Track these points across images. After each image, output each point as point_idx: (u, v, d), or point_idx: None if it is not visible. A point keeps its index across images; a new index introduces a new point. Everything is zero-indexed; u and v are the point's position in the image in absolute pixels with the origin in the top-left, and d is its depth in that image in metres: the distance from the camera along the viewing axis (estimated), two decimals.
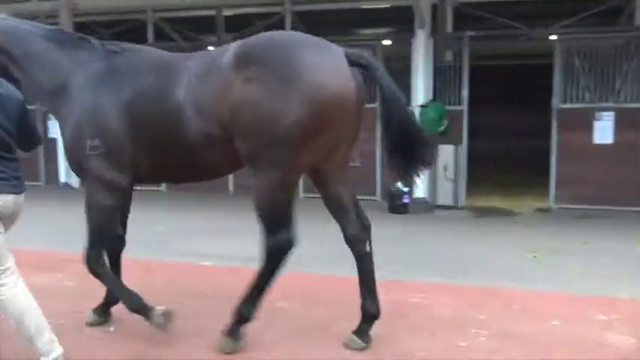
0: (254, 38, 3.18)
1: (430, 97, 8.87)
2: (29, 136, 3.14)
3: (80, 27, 11.46)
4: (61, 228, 6.73)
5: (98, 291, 3.89)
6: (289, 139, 2.87)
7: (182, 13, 12.46)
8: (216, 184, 9.88)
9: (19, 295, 2.88)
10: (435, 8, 9.12)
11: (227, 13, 12.18)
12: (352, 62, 3.03)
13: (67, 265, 5.05)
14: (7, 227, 2.94)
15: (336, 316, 3.88)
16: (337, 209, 3.46)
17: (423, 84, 8.82)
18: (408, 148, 3.13)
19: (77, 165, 3.39)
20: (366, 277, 3.41)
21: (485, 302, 4.22)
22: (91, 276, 3.54)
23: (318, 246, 6.02)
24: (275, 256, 3.12)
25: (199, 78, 3.08)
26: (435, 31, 9.09)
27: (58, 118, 3.46)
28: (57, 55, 3.44)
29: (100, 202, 3.34)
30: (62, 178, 10.81)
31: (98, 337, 3.49)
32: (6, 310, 2.87)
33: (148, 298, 4.16)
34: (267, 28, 12.10)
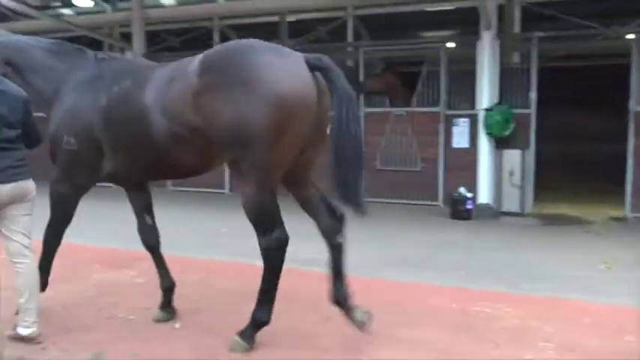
0: (219, 46, 3.37)
1: (496, 100, 8.62)
2: (32, 132, 3.50)
3: (151, 35, 12.00)
4: (131, 226, 7.04)
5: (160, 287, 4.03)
6: (257, 140, 2.97)
7: (246, 20, 12.77)
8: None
9: None
10: (501, 9, 8.86)
11: (290, 18, 12.37)
12: (312, 66, 3.10)
13: (138, 262, 5.27)
14: (16, 209, 3.34)
15: (393, 321, 3.83)
16: (308, 207, 3.60)
17: (488, 87, 8.58)
18: (349, 158, 3.20)
19: (53, 156, 3.68)
20: (336, 266, 3.51)
21: (553, 314, 4.04)
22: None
23: (379, 250, 5.98)
24: (273, 255, 3.25)
25: (167, 83, 3.28)
26: (502, 33, 8.83)
27: (49, 117, 3.74)
28: (54, 64, 3.79)
29: (64, 192, 3.67)
30: None
31: (165, 333, 3.61)
32: None
33: (210, 298, 4.28)
34: (329, 33, 12.29)
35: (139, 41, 11.16)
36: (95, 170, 3.60)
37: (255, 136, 2.97)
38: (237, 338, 3.32)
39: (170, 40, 13.34)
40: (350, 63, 11.37)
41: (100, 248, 5.92)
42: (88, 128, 3.50)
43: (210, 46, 11.84)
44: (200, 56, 3.28)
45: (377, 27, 11.98)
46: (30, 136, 3.51)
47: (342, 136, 3.12)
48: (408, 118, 9.27)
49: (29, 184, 3.41)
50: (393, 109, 9.45)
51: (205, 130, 3.12)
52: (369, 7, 11.24)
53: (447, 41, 9.92)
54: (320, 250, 5.76)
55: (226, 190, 10.57)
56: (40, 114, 3.74)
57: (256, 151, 3.00)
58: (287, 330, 3.65)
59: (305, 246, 6.12)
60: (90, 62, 3.75)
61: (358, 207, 3.33)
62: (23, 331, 3.36)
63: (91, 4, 12.34)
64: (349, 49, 11.37)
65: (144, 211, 4.01)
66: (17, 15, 12.13)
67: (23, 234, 3.40)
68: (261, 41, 3.27)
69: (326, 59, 3.17)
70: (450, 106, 9.22)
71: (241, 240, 6.47)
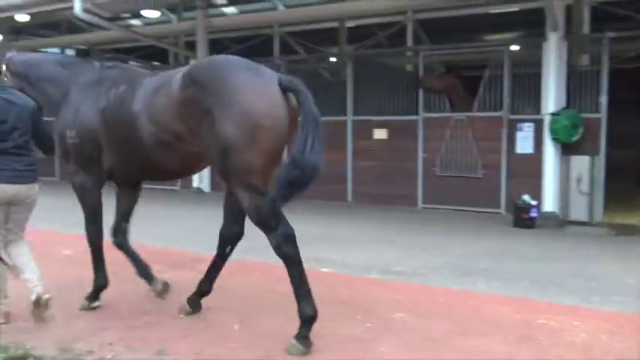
0: (202, 61, 3.60)
1: (563, 104, 8.27)
2: (44, 139, 3.97)
3: (214, 43, 12.35)
4: (192, 229, 7.26)
5: (225, 289, 4.12)
6: (232, 150, 3.22)
7: (306, 27, 12.90)
8: (335, 192, 10.10)
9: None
10: (568, 9, 8.51)
11: (349, 24, 12.39)
12: (284, 87, 3.30)
13: (197, 264, 5.41)
14: (24, 208, 3.78)
15: (451, 329, 3.74)
16: (232, 207, 3.83)
17: (555, 90, 8.24)
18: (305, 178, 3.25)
19: (63, 151, 4.07)
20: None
21: (624, 330, 3.81)
22: (221, 274, 4.07)
23: (438, 257, 5.86)
24: (285, 250, 3.38)
25: (153, 92, 3.60)
26: (569, 34, 8.47)
27: (57, 116, 4.13)
28: (63, 74, 4.22)
29: (83, 185, 4.04)
30: (195, 184, 11.66)
31: (224, 333, 3.68)
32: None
33: (269, 301, 4.32)
34: (389, 38, 12.21)
35: (202, 49, 11.52)
36: (99, 162, 3.95)
37: (229, 147, 3.22)
38: (294, 341, 3.40)
39: (232, 48, 13.68)
40: (409, 67, 11.26)
41: (160, 249, 6.12)
42: (89, 125, 3.89)
43: (272, 52, 12.08)
44: (184, 69, 3.59)
45: (437, 31, 11.80)
46: (43, 142, 3.99)
47: (299, 161, 3.18)
48: (468, 123, 9.06)
49: (33, 188, 3.80)
50: (454, 114, 9.26)
51: (187, 138, 3.44)
52: (429, 11, 11.09)
53: (511, 44, 9.63)
54: (374, 257, 5.73)
55: None
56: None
57: (234, 160, 3.25)
58: (342, 336, 3.64)
59: (358, 253, 6.10)
60: (94, 70, 4.16)
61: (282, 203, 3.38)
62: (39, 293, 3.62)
63: (158, 14, 12.85)
64: (408, 53, 11.26)
65: (125, 216, 4.38)
66: (91, 26, 12.81)
67: (18, 227, 3.83)
68: (241, 59, 3.51)
69: (297, 81, 3.35)
70: (513, 111, 8.93)
71: (299, 244, 6.55)
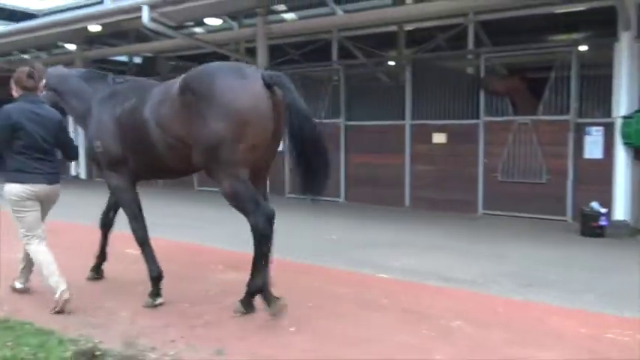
0: (195, 70, 4.00)
1: (635, 106, 7.83)
2: (67, 146, 4.53)
3: (273, 49, 12.56)
4: (247, 230, 7.39)
5: (281, 291, 4.16)
6: (222, 144, 3.68)
7: (364, 31, 12.89)
8: (392, 196, 10.02)
9: (40, 252, 4.22)
10: None
11: (408, 27, 12.29)
12: (268, 83, 3.73)
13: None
14: (44, 206, 4.31)
15: (510, 340, 3.61)
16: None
17: (627, 92, 7.81)
18: (312, 162, 3.79)
19: (93, 159, 4.67)
20: (261, 255, 3.89)
21: None
22: (279, 276, 4.26)
23: (499, 265, 5.69)
24: (260, 227, 3.79)
25: (159, 100, 4.06)
26: None
27: (85, 129, 4.68)
28: (85, 88, 4.73)
29: (117, 186, 4.47)
30: None
31: (281, 335, 3.72)
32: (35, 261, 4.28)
33: (325, 304, 4.34)
34: (449, 41, 12.01)
35: (262, 55, 11.73)
36: (126, 164, 4.39)
37: (219, 141, 3.68)
38: (239, 304, 4.03)
39: (291, 53, 13.88)
40: (470, 70, 11.02)
41: (222, 250, 6.27)
42: (109, 134, 4.37)
43: (330, 57, 12.15)
44: (181, 78, 4.00)
45: (499, 32, 11.48)
46: (67, 149, 4.55)
47: (296, 139, 3.72)
48: (533, 126, 8.74)
49: (57, 189, 4.36)
50: (517, 118, 8.96)
51: (187, 139, 3.85)
52: (491, 12, 10.81)
53: (579, 44, 9.22)
54: (432, 263, 5.63)
55: (341, 199, 10.71)
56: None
57: (222, 153, 3.71)
58: (398, 342, 3.60)
59: (416, 259, 6.01)
60: (109, 84, 4.66)
61: (316, 196, 3.94)
62: (65, 295, 4.08)
63: (220, 22, 13.22)
64: (469, 56, 11.02)
65: (114, 207, 4.96)
66: (157, 35, 13.35)
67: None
68: (228, 65, 4.08)
69: (282, 77, 3.79)
70: (580, 114, 8.55)
71: (354, 249, 6.53)
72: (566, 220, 8.34)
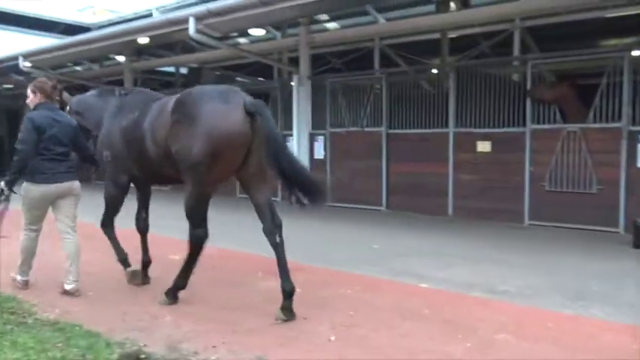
0: (186, 91, 4.39)
1: None
2: (83, 149, 5.07)
3: (315, 58, 12.64)
4: (291, 238, 7.43)
5: (321, 299, 4.16)
6: (198, 164, 4.04)
7: (407, 39, 12.81)
8: (435, 205, 9.87)
9: (29, 243, 4.85)
10: None
11: (452, 35, 12.13)
12: (248, 109, 4.04)
13: (296, 273, 5.51)
14: (65, 201, 4.78)
15: (559, 356, 3.48)
16: (256, 209, 4.36)
17: None
18: (291, 179, 4.10)
19: (103, 168, 5.16)
20: (280, 261, 4.23)
21: None
22: (319, 284, 4.48)
23: (547, 278, 5.51)
24: (193, 243, 4.30)
25: (155, 114, 4.47)
26: None
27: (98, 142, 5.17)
28: (98, 103, 5.32)
29: (111, 192, 5.06)
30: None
31: (320, 344, 3.71)
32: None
33: (364, 314, 4.29)
34: (493, 47, 11.77)
35: (304, 64, 11.84)
36: (128, 174, 4.93)
37: (196, 161, 4.03)
38: (164, 296, 4.48)
39: (333, 62, 13.93)
40: (516, 78, 10.77)
41: (263, 257, 6.31)
42: (116, 144, 4.86)
43: (372, 65, 12.13)
44: (174, 98, 4.40)
45: (547, 38, 11.20)
46: (82, 152, 5.08)
47: (272, 160, 4.03)
48: (582, 134, 8.46)
49: (74, 184, 4.83)
50: (565, 125, 8.69)
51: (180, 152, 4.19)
52: (538, 18, 10.54)
53: (632, 49, 8.88)
54: (476, 274, 5.50)
55: (383, 208, 10.64)
56: None
57: (196, 172, 4.09)
58: (440, 354, 3.52)
59: (460, 269, 5.89)
60: (116, 98, 5.19)
61: (318, 201, 4.21)
62: (67, 287, 4.73)
63: (263, 32, 13.42)
64: (515, 62, 10.78)
65: (144, 207, 5.36)
66: (202, 46, 13.66)
67: (68, 217, 4.82)
68: (218, 89, 4.32)
69: (259, 104, 4.13)
70: (634, 122, 8.21)
71: (395, 258, 6.46)
72: (618, 232, 8.00)
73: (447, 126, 9.93)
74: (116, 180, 4.99)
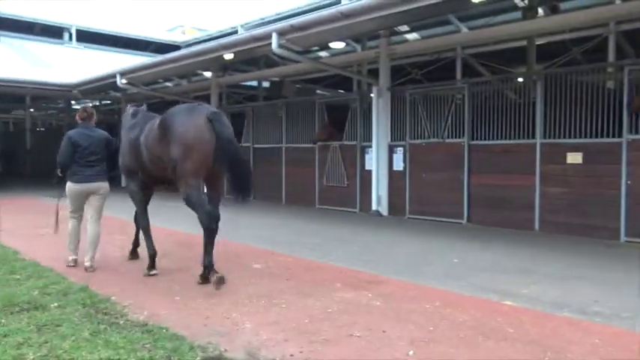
0: (168, 111, 5.62)
1: None
2: (111, 159, 6.40)
3: (395, 70, 12.59)
4: (369, 250, 7.39)
5: (400, 313, 4.09)
6: (178, 161, 5.29)
7: (489, 48, 12.44)
8: (520, 219, 9.43)
9: (72, 227, 6.36)
10: None
11: (539, 42, 11.64)
12: (209, 118, 5.28)
13: (374, 285, 5.48)
14: (95, 197, 6.26)
15: None
16: (209, 200, 5.50)
17: None
18: (236, 180, 5.31)
19: (123, 172, 6.52)
20: (208, 243, 5.36)
21: None
22: (397, 298, 4.34)
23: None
24: (205, 222, 5.30)
25: (147, 131, 5.79)
26: None
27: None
28: (126, 121, 6.48)
29: (132, 189, 6.35)
30: (374, 207, 11.90)
31: (398, 357, 3.65)
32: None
33: (444, 329, 4.17)
34: (584, 53, 11.14)
35: (384, 76, 11.81)
36: (137, 175, 6.19)
37: (176, 159, 5.29)
38: (205, 277, 5.42)
39: (413, 73, 13.80)
40: (611, 85, 10.12)
41: (341, 268, 6.33)
42: (126, 153, 6.22)
43: (454, 75, 11.89)
44: (159, 118, 5.70)
45: None
46: (110, 162, 6.39)
47: (223, 159, 5.24)
48: None
49: (102, 185, 6.28)
50: None
51: (162, 157, 5.50)
52: (637, 21, 9.87)
53: None
54: (565, 293, 5.18)
55: (464, 221, 10.33)
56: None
57: (178, 167, 5.30)
58: None
59: (548, 287, 5.57)
60: (130, 117, 6.41)
61: (244, 199, 5.33)
62: (86, 264, 6.09)
63: (343, 45, 13.55)
64: (610, 69, 10.14)
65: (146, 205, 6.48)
66: (284, 60, 14.03)
67: (95, 210, 6.30)
68: (187, 107, 5.69)
69: (217, 113, 5.44)
70: None
71: (478, 273, 6.23)
72: None
73: (533, 137, 9.49)
74: (132, 179, 6.34)
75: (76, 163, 6.14)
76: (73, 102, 24.49)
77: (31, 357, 3.47)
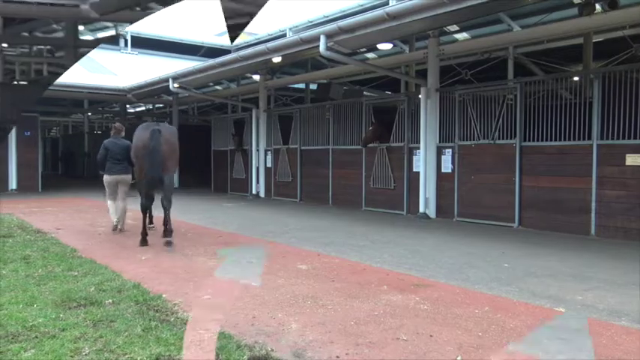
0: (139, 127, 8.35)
1: None
2: (131, 163, 8.73)
3: (444, 71, 12.39)
4: (416, 253, 7.30)
5: (448, 317, 4.02)
6: (135, 163, 8.20)
7: (543, 46, 12.06)
8: (575, 224, 9.10)
9: (110, 205, 9.20)
10: None
11: (596, 39, 11.20)
12: (152, 130, 7.71)
13: (420, 289, 5.40)
14: (121, 185, 9.07)
15: None
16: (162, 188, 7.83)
17: None
18: (151, 161, 7.60)
19: (136, 168, 8.46)
20: (166, 218, 8.02)
21: None
22: (445, 302, 4.23)
23: None
24: (168, 206, 7.91)
25: (134, 138, 8.03)
26: None
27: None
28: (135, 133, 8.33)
29: (142, 182, 8.00)
30: (421, 209, 11.75)
31: None
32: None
33: (493, 336, 4.07)
34: None
35: (433, 76, 11.65)
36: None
37: (133, 160, 8.24)
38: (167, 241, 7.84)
39: (463, 73, 13.54)
40: None
41: (387, 270, 6.28)
42: (135, 154, 8.12)
43: (505, 75, 11.56)
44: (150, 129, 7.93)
45: None
46: (129, 160, 8.73)
47: (146, 158, 7.67)
48: None
49: (125, 176, 9.05)
50: None
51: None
52: None
53: None
54: (623, 301, 4.95)
55: (515, 224, 10.04)
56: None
57: (136, 166, 8.10)
58: None
59: (604, 294, 5.33)
60: (141, 127, 8.14)
61: (154, 178, 7.59)
62: (114, 222, 9.10)
63: (391, 46, 13.46)
64: None
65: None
66: (331, 62, 14.06)
67: (121, 193, 9.02)
68: (145, 125, 8.15)
69: (154, 131, 7.65)
70: None
71: (529, 278, 6.04)
72: None
73: (589, 138, 9.13)
74: (139, 174, 8.04)
75: (109, 161, 8.96)
76: (127, 105, 25.41)
77: (87, 351, 3.61)
